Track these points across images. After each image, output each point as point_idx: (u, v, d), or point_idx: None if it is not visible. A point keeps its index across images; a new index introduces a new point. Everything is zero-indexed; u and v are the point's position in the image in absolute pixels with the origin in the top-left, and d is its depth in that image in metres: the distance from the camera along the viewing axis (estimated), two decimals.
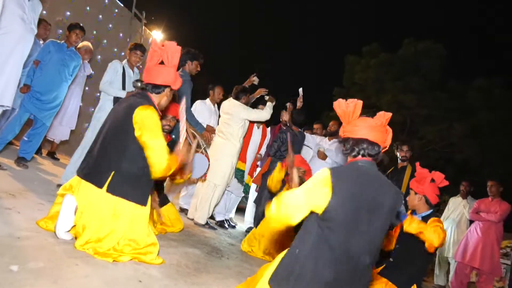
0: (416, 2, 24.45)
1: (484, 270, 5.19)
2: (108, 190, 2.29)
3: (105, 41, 7.70)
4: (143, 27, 8.97)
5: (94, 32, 7.20)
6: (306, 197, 1.71)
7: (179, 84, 2.58)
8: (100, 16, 7.49)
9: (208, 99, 5.28)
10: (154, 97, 2.51)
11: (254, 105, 5.21)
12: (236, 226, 5.53)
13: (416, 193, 2.91)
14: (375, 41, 16.81)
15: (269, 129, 5.70)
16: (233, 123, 4.56)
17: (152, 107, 2.40)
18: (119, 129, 2.37)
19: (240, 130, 4.60)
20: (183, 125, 2.73)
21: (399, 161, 4.65)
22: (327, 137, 5.56)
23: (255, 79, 5.23)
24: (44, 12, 5.38)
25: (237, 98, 4.70)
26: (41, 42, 4.83)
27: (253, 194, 5.59)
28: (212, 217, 5.12)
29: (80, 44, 5.07)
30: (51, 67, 4.30)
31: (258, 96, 5.15)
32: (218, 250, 3.59)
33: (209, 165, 4.15)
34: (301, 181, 3.98)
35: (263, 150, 5.57)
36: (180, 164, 2.49)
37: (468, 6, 21.48)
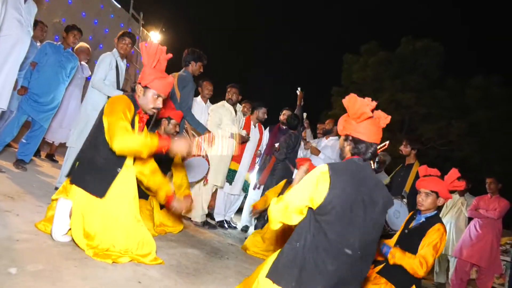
0: (414, 1, 24.49)
1: (483, 267, 5.19)
2: (71, 181, 2.31)
3: (101, 44, 7.70)
4: (141, 27, 8.96)
5: (92, 33, 7.20)
6: (305, 194, 1.75)
7: (148, 80, 2.50)
8: (98, 17, 7.49)
9: (199, 97, 5.15)
10: (137, 97, 2.53)
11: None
12: (237, 227, 5.53)
13: (426, 193, 2.84)
14: (373, 40, 16.85)
15: (267, 130, 5.75)
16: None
17: (124, 96, 2.46)
18: (95, 125, 2.45)
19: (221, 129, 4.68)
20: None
21: (406, 157, 4.68)
22: (324, 137, 5.61)
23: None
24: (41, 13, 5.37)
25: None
26: (38, 44, 4.82)
27: (250, 192, 5.60)
28: (213, 218, 5.15)
29: (76, 45, 5.06)
30: (48, 68, 4.29)
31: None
32: (218, 250, 3.59)
33: (209, 168, 4.15)
34: None
35: (261, 148, 5.63)
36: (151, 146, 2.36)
37: (465, 4, 21.51)
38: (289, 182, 4.45)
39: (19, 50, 3.16)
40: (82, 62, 5.66)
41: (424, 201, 2.84)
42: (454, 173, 2.89)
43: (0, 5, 2.75)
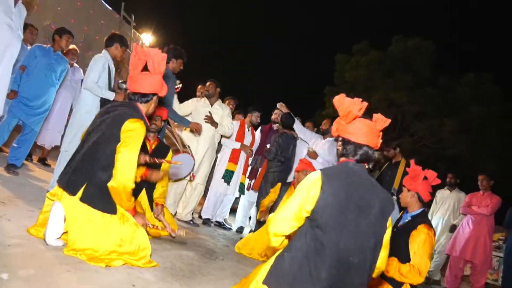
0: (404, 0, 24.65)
1: (477, 262, 5.24)
2: (81, 199, 2.26)
3: (96, 39, 7.64)
4: (133, 30, 8.93)
5: (83, 35, 7.15)
6: (297, 201, 1.75)
7: (165, 91, 2.55)
8: (89, 20, 7.44)
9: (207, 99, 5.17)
10: (142, 107, 2.48)
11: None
12: (231, 228, 5.53)
13: (409, 190, 2.91)
14: (364, 39, 16.92)
15: (258, 131, 5.76)
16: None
17: (142, 122, 2.36)
18: (104, 139, 2.32)
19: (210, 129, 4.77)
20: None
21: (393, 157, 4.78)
22: (322, 137, 5.61)
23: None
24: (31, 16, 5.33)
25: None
26: (28, 47, 4.78)
27: (245, 193, 5.61)
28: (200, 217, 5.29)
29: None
30: (38, 72, 4.25)
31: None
32: (213, 252, 3.58)
33: (194, 163, 4.19)
34: None
35: (254, 149, 5.64)
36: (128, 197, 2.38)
37: (455, 2, 21.71)
38: (285, 185, 4.46)
39: (10, 54, 3.15)
40: (75, 65, 5.63)
41: (403, 197, 2.91)
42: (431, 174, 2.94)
43: None
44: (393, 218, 3.73)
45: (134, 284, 2.07)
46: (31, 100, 4.19)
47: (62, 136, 5.67)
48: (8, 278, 1.68)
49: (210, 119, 4.70)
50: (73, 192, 2.26)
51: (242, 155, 5.37)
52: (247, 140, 5.43)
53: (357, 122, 1.86)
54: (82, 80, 5.77)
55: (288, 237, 1.83)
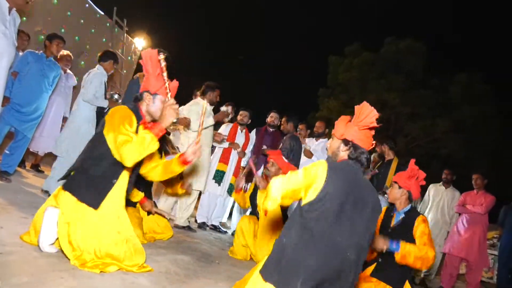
0: (394, 1, 24.85)
1: (472, 261, 5.28)
2: (64, 188, 2.30)
3: (87, 46, 7.62)
4: (125, 34, 8.91)
5: (77, 37, 7.13)
6: (305, 177, 1.79)
7: (157, 87, 2.54)
8: (81, 25, 7.42)
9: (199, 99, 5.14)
10: (141, 105, 2.54)
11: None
12: (227, 231, 5.51)
13: (400, 187, 2.94)
14: (357, 41, 17.03)
15: (253, 132, 5.76)
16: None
17: (124, 107, 2.44)
18: (96, 134, 2.44)
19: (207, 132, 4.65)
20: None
21: (385, 155, 4.84)
22: (314, 138, 5.64)
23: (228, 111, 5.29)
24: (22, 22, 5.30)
25: (203, 93, 4.71)
26: (20, 53, 4.75)
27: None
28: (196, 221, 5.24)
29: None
30: (30, 78, 4.22)
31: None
32: (208, 255, 3.57)
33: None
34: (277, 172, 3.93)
35: (247, 151, 5.63)
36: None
37: (446, 2, 21.91)
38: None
39: (5, 63, 3.16)
40: (68, 71, 5.60)
41: (393, 193, 2.97)
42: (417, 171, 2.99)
43: None
44: None
45: None
46: (23, 106, 4.17)
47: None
48: (0, 286, 1.67)
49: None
50: (63, 184, 2.34)
51: (233, 156, 5.38)
52: (239, 141, 5.46)
53: (367, 130, 1.99)
54: (74, 86, 5.82)
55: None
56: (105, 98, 4.36)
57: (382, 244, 2.61)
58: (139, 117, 2.47)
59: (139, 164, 2.52)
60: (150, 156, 2.51)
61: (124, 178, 2.48)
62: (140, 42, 9.51)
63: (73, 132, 4.17)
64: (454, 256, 5.39)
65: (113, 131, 2.27)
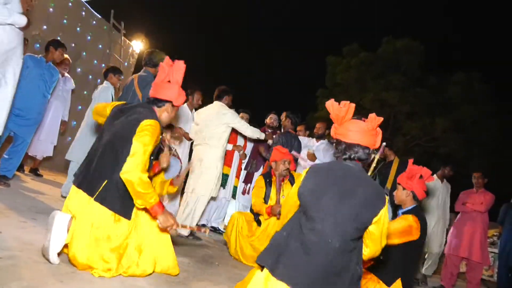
0: (392, 1, 24.91)
1: (474, 260, 5.28)
2: (96, 199, 2.26)
3: (84, 53, 7.62)
4: (123, 37, 8.90)
5: (73, 44, 7.12)
6: (294, 190, 1.99)
7: (181, 101, 2.61)
8: (78, 29, 7.41)
9: (185, 104, 4.98)
10: (157, 111, 2.56)
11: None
12: None
13: (404, 189, 2.94)
14: (355, 41, 17.06)
15: None
16: (216, 127, 4.34)
17: (157, 121, 2.43)
18: (121, 139, 2.35)
19: (224, 134, 4.38)
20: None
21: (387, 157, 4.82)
22: (314, 138, 5.63)
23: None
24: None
25: (219, 98, 4.53)
26: None
27: (239, 197, 5.56)
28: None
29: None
30: (29, 82, 4.20)
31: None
32: (208, 257, 3.57)
33: (181, 166, 4.14)
34: (287, 173, 3.98)
35: (247, 151, 5.60)
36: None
37: (442, 2, 21.97)
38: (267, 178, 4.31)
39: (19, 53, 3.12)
40: (66, 74, 5.60)
41: (398, 195, 2.98)
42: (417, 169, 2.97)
43: None
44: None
45: None
46: (22, 110, 4.15)
47: (55, 147, 5.67)
48: None
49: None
50: (91, 192, 2.27)
51: (235, 158, 5.37)
52: (239, 143, 5.42)
53: (348, 123, 1.94)
54: (72, 90, 5.82)
55: None
56: None
57: None
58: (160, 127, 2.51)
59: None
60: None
61: None
62: (137, 44, 9.51)
63: (83, 136, 4.68)
64: (455, 256, 5.39)
65: (143, 147, 2.27)
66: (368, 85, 15.98)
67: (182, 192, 4.50)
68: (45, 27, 6.57)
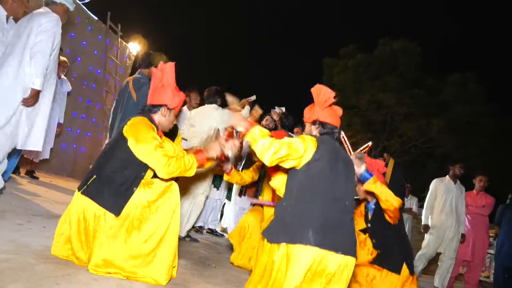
0: (388, 2, 25.01)
1: (475, 262, 5.30)
2: (83, 192, 2.30)
3: (79, 58, 7.58)
4: (119, 39, 8.89)
5: (68, 49, 7.10)
6: (303, 144, 2.08)
7: (177, 102, 2.59)
8: (75, 30, 7.39)
9: (185, 106, 5.01)
10: (153, 116, 2.56)
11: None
12: (224, 235, 5.49)
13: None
14: (352, 43, 17.12)
15: None
16: (209, 129, 4.22)
17: (143, 117, 2.45)
18: (113, 142, 2.47)
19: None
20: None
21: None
22: None
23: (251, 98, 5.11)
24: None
25: (211, 102, 4.46)
26: None
27: (236, 200, 5.54)
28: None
29: None
30: None
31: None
32: (205, 259, 3.56)
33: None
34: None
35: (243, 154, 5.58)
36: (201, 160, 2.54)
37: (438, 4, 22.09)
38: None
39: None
40: (63, 77, 5.59)
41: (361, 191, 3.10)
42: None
43: None
44: None
45: None
46: None
47: (51, 149, 5.64)
48: None
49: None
50: (81, 187, 2.33)
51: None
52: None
53: (329, 108, 2.30)
54: (68, 92, 5.81)
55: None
56: None
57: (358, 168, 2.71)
58: (156, 128, 2.51)
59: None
60: None
61: (142, 187, 2.45)
62: (134, 46, 9.50)
63: None
64: (459, 260, 5.37)
65: (145, 142, 2.30)
66: (365, 86, 16.03)
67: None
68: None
